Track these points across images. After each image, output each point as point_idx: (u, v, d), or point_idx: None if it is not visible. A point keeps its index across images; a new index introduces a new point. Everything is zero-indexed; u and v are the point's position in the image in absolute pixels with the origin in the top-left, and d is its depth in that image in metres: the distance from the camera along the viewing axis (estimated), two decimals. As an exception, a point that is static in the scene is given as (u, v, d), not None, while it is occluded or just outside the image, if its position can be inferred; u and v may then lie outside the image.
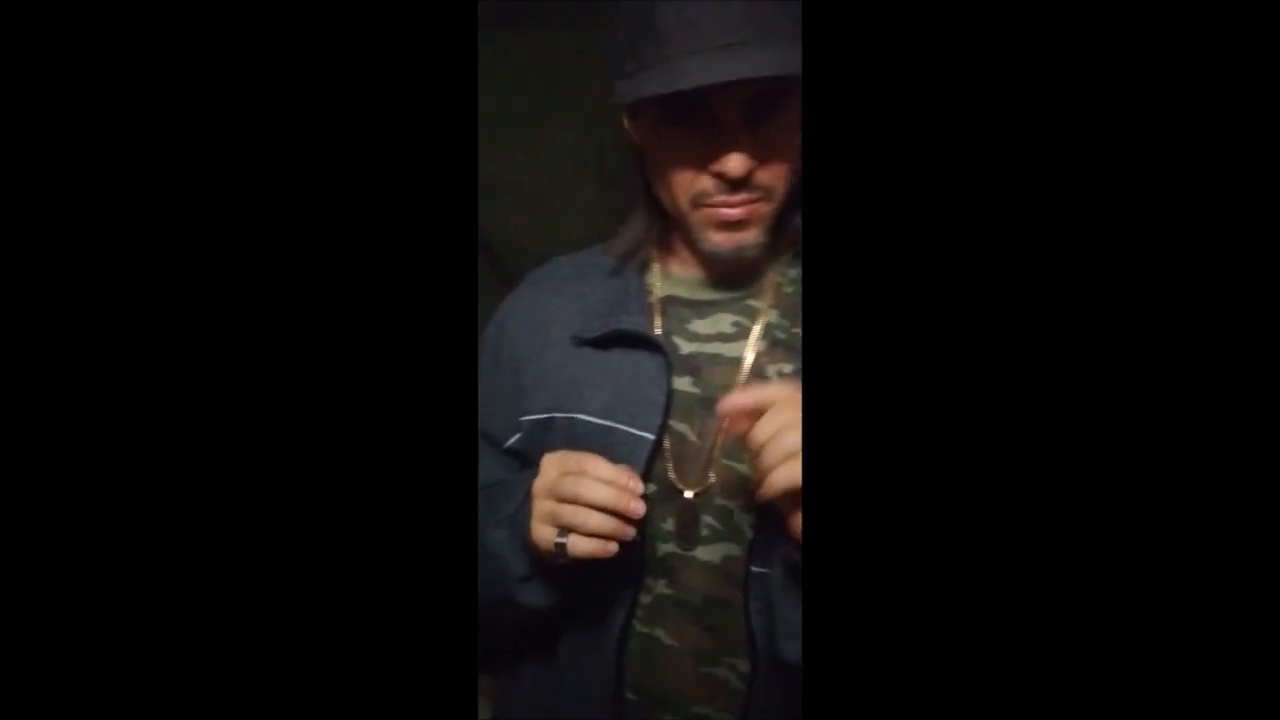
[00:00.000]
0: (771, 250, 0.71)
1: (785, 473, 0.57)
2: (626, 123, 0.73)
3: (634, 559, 0.67)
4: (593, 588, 0.68)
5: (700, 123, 0.64)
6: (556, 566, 0.64)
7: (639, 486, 0.60)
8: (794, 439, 0.56)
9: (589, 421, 0.69)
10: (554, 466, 0.63)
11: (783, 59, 0.60)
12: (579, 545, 0.60)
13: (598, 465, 0.61)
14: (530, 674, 0.75)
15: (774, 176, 0.66)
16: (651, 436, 0.67)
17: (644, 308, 0.72)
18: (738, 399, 0.59)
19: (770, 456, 0.57)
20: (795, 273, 0.72)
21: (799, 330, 0.68)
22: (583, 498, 0.60)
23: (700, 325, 0.72)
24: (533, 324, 0.76)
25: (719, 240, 0.68)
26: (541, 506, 0.63)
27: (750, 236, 0.68)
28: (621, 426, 0.68)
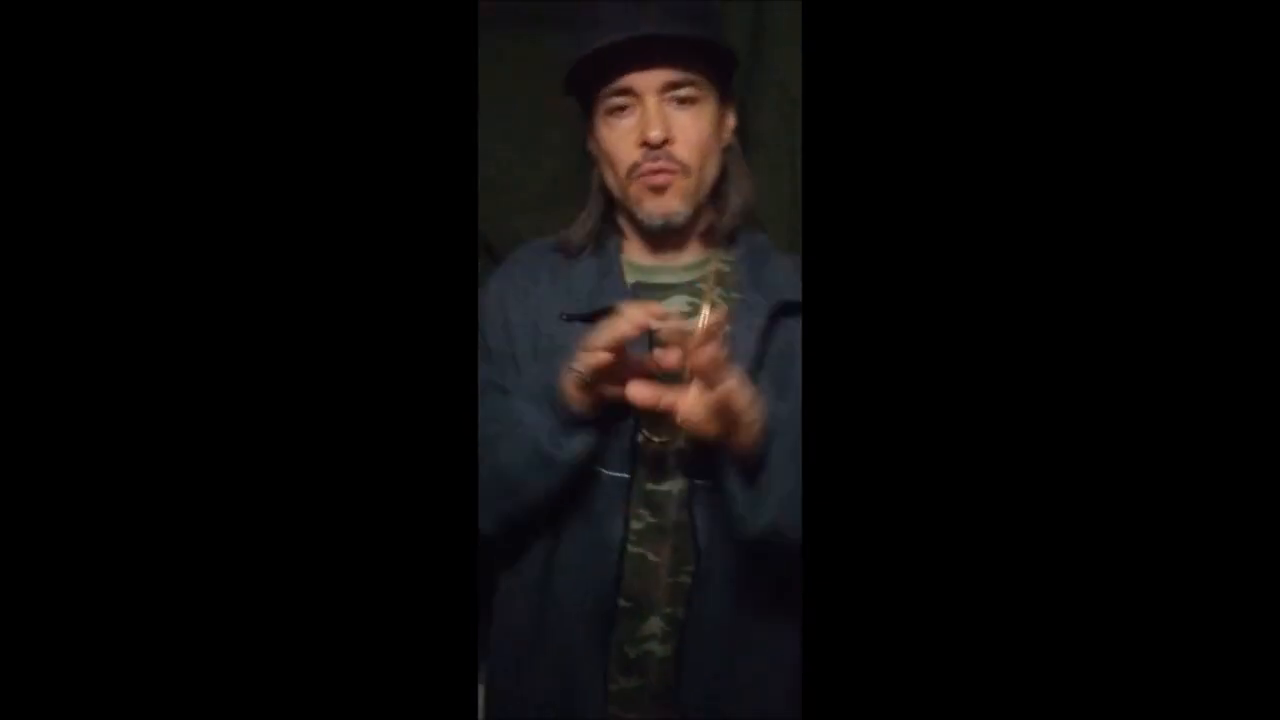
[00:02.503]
0: (709, 239, 0.91)
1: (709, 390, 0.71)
2: (589, 138, 0.91)
3: (624, 495, 0.84)
4: (593, 512, 0.84)
5: (631, 111, 0.84)
6: (577, 417, 0.78)
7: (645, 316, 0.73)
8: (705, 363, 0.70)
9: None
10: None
11: (692, 30, 0.81)
12: (587, 359, 0.73)
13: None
14: (528, 605, 0.89)
15: (687, 153, 0.84)
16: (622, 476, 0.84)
17: (623, 286, 0.88)
18: (645, 392, 0.73)
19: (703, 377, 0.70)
20: (730, 255, 0.90)
21: (737, 295, 0.87)
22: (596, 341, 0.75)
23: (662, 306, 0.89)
24: (525, 300, 0.90)
25: (650, 208, 0.85)
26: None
27: (674, 204, 0.85)
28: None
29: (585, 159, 0.92)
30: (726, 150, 0.88)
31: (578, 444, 0.79)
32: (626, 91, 0.82)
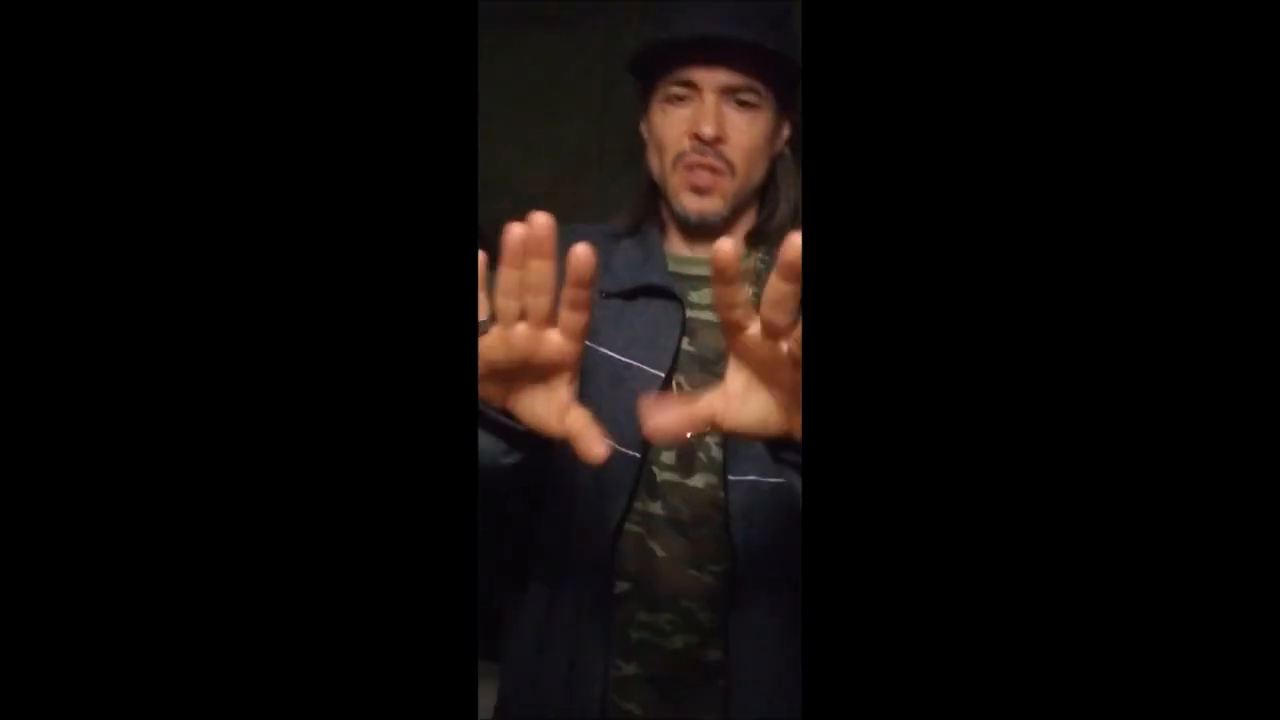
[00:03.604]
0: (751, 239, 0.89)
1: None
2: (642, 120, 0.91)
3: (629, 478, 0.80)
4: (591, 499, 0.81)
5: (689, 103, 0.84)
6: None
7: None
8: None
9: (611, 356, 0.83)
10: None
11: (761, 38, 0.80)
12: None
13: None
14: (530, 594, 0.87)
15: (736, 155, 0.84)
16: (662, 374, 0.81)
17: (665, 268, 0.88)
18: (666, 421, 0.57)
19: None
20: (769, 256, 0.88)
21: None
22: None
23: (695, 296, 0.88)
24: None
25: (688, 202, 0.85)
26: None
27: (712, 204, 0.84)
28: (637, 364, 0.82)
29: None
30: (778, 157, 0.88)
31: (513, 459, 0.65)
32: (688, 84, 0.82)
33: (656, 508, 0.82)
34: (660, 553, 0.82)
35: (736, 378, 0.57)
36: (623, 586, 0.83)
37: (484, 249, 0.59)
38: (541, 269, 0.54)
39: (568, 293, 0.54)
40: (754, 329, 0.54)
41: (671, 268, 0.88)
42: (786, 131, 0.88)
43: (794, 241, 0.50)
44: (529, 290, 0.55)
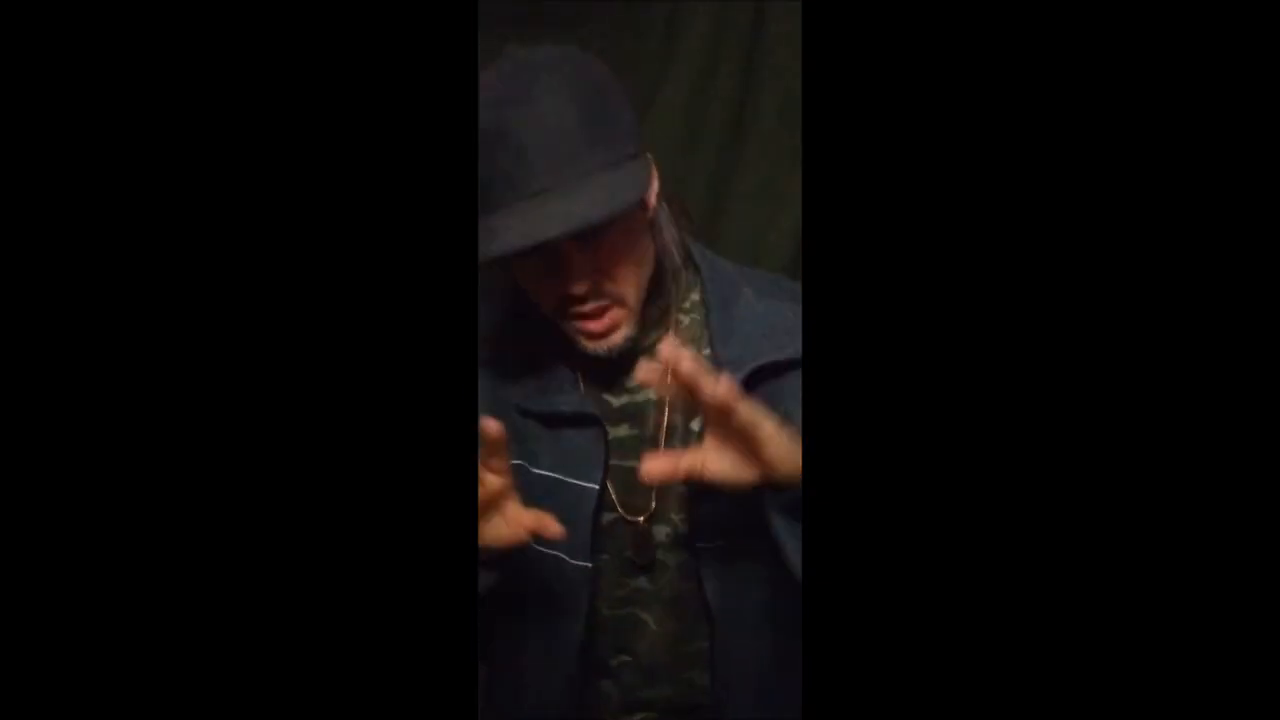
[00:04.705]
0: (660, 320, 0.82)
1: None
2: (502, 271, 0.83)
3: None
4: (549, 614, 0.81)
5: (544, 253, 0.71)
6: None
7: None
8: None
9: (543, 475, 0.81)
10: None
11: (588, 205, 0.68)
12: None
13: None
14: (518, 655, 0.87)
15: (620, 284, 0.75)
16: (595, 487, 0.79)
17: (575, 386, 0.82)
18: (659, 467, 0.69)
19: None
20: (688, 303, 0.83)
21: (705, 350, 0.81)
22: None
23: (625, 380, 0.83)
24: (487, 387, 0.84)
25: (592, 345, 0.77)
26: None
27: (617, 339, 0.77)
28: (568, 479, 0.80)
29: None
30: (651, 224, 0.77)
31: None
32: (536, 249, 0.69)
33: (643, 582, 0.82)
34: (654, 626, 0.82)
35: (712, 437, 0.69)
36: (622, 659, 0.83)
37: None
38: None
39: (489, 463, 0.67)
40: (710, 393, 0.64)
41: (600, 354, 0.79)
42: (655, 188, 0.76)
43: (684, 367, 0.63)
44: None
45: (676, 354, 0.63)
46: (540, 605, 0.81)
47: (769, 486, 0.70)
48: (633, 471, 0.77)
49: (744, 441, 0.66)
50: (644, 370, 0.68)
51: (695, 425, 0.80)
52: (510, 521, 0.71)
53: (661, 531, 0.81)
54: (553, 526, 0.70)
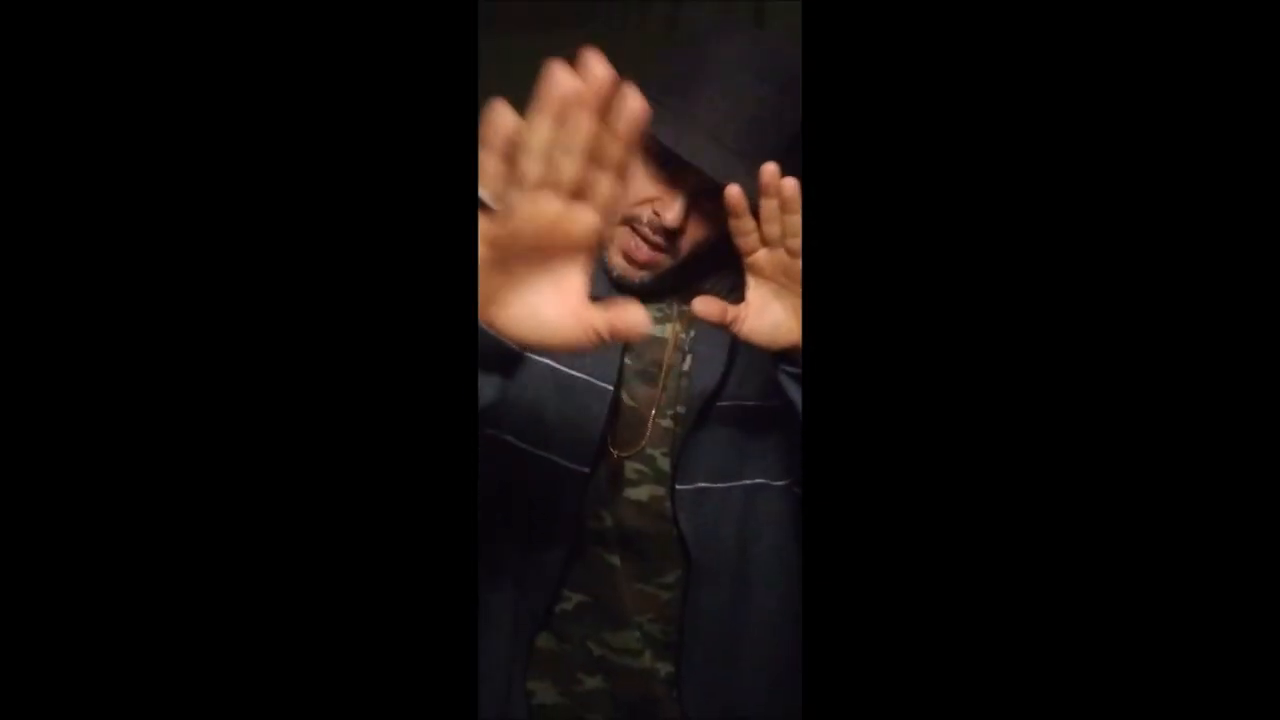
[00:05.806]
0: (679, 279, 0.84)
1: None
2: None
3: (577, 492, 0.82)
4: (546, 515, 0.82)
5: (664, 171, 0.76)
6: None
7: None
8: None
9: (556, 367, 0.82)
10: None
11: (736, 171, 0.71)
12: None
13: None
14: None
15: (686, 242, 0.79)
16: (610, 387, 0.80)
17: (606, 281, 0.84)
18: (711, 306, 0.70)
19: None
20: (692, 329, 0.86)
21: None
22: None
23: None
24: None
25: (620, 265, 0.81)
26: None
27: (639, 275, 0.81)
28: (583, 375, 0.81)
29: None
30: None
31: (490, 390, 0.62)
32: (676, 157, 0.72)
33: (607, 520, 0.83)
34: (617, 564, 0.84)
35: (756, 293, 0.70)
36: (580, 599, 0.84)
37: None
38: (583, 126, 0.45)
39: (612, 152, 0.46)
40: (762, 253, 0.69)
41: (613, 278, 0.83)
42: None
43: (790, 182, 0.64)
44: (563, 150, 0.46)
45: (779, 180, 0.65)
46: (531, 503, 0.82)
47: (787, 360, 0.72)
48: (623, 404, 0.82)
49: (793, 295, 0.68)
50: (701, 303, 0.69)
51: (686, 365, 0.83)
52: (565, 311, 0.53)
53: (640, 463, 0.83)
54: (639, 318, 0.52)
